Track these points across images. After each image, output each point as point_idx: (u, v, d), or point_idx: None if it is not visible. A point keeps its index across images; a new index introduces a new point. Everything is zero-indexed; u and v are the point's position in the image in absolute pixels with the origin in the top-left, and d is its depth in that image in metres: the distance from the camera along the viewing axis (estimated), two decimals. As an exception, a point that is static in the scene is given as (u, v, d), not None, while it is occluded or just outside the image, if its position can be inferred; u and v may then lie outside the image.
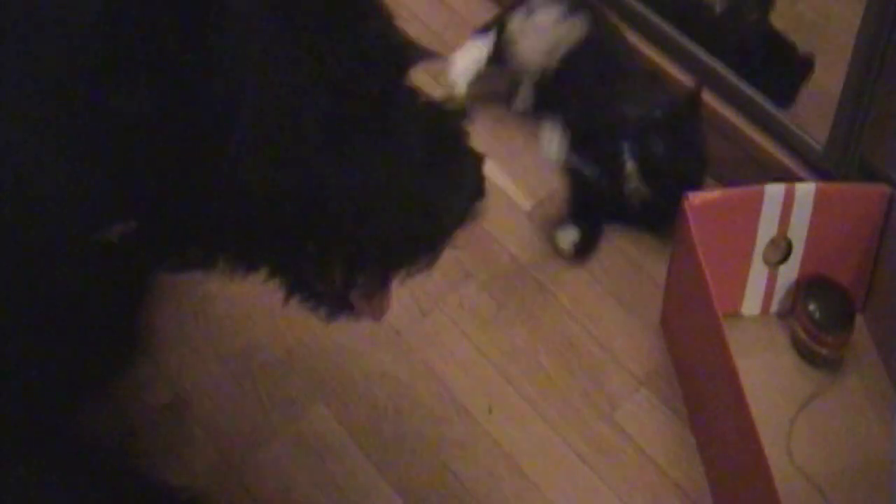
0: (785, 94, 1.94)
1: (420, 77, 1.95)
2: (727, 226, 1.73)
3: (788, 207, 1.74)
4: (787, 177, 1.84)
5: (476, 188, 1.75)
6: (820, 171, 1.83)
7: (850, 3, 2.13)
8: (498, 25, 2.04)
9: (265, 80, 1.05)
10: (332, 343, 1.73)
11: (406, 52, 1.16)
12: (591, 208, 1.88)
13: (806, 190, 1.74)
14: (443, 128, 1.22)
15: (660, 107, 1.81)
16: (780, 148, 1.87)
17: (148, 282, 1.49)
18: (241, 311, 1.77)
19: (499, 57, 2.02)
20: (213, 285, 1.76)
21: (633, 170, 1.82)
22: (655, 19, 2.01)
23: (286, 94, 1.06)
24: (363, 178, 1.13)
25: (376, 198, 1.15)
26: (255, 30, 1.04)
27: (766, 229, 1.75)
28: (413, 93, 1.19)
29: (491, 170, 1.90)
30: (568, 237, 1.83)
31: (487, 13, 2.11)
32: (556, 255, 1.87)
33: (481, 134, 1.98)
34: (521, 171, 1.96)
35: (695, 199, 1.69)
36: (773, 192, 1.73)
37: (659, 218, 1.86)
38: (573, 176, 1.90)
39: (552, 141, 1.86)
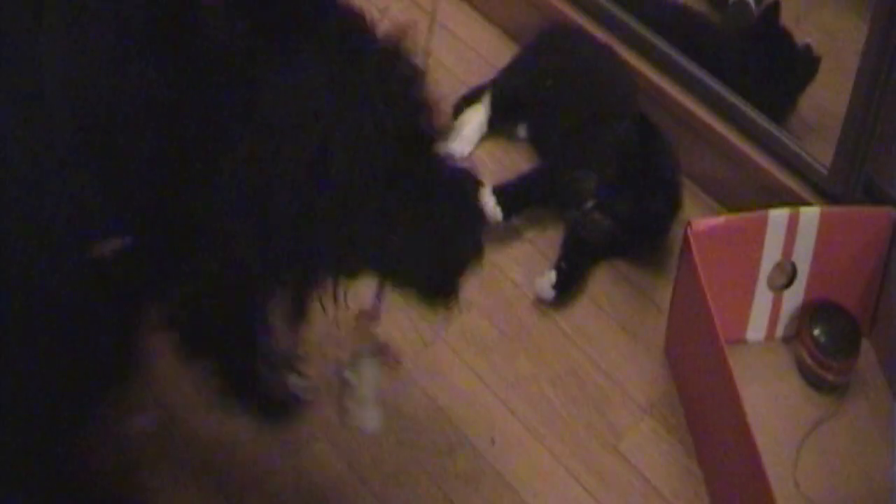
0: (787, 94, 1.91)
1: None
2: (731, 251, 1.71)
3: (793, 232, 1.72)
4: (792, 200, 1.82)
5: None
6: (825, 194, 1.81)
7: (854, 21, 2.13)
8: (493, 88, 2.04)
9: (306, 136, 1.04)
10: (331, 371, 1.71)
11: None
12: (573, 247, 1.87)
13: (810, 214, 1.72)
14: (465, 196, 1.24)
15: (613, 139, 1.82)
16: (784, 171, 1.86)
17: (145, 309, 1.47)
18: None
19: (499, 120, 2.03)
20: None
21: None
22: (652, 37, 2.00)
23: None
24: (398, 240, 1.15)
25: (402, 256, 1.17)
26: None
27: (771, 254, 1.74)
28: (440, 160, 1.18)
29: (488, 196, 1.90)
30: (545, 283, 1.81)
31: (510, 53, 2.10)
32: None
33: (485, 161, 1.99)
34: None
35: (698, 225, 1.67)
36: (778, 217, 1.71)
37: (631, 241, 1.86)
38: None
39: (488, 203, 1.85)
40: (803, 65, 1.99)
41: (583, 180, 1.82)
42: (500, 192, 1.85)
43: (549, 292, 1.80)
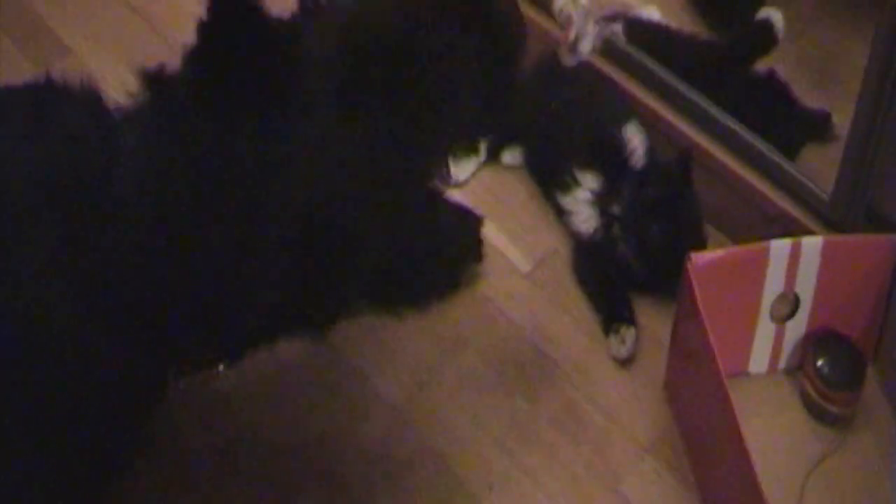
0: (787, 149, 1.88)
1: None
2: (732, 284, 1.69)
3: (795, 263, 1.69)
4: (793, 227, 1.79)
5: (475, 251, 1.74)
6: (827, 220, 1.78)
7: (854, 38, 2.09)
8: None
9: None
10: (324, 419, 1.68)
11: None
12: (613, 282, 1.84)
13: (812, 244, 1.69)
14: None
15: (651, 183, 1.78)
16: (784, 197, 1.83)
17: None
18: (226, 396, 1.72)
19: (498, 146, 2.00)
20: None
21: (628, 251, 1.80)
22: (656, 68, 1.96)
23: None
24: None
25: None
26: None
27: (773, 286, 1.71)
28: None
29: (487, 230, 1.88)
30: (625, 341, 1.78)
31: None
32: (555, 317, 1.81)
33: (477, 192, 1.96)
34: (518, 230, 1.91)
35: (698, 259, 1.64)
36: (779, 248, 1.68)
37: (656, 278, 1.82)
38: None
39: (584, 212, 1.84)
40: (805, 124, 1.96)
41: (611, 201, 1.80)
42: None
43: (627, 350, 1.77)
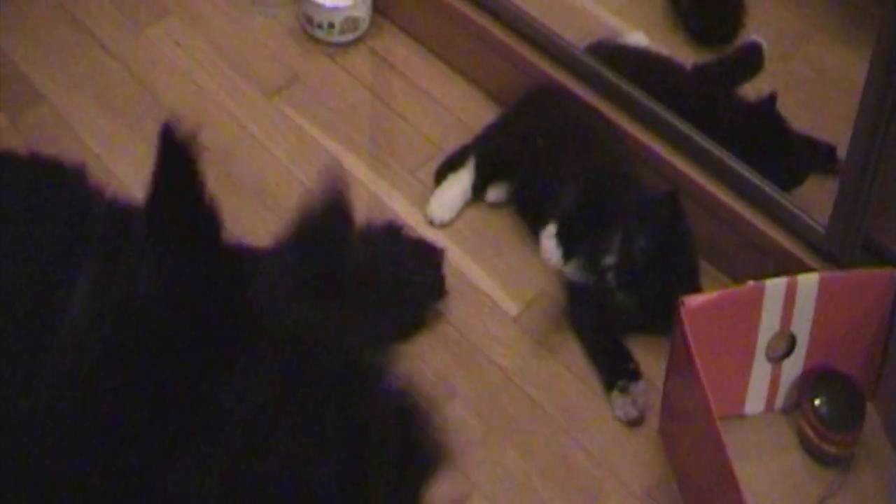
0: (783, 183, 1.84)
1: (407, 212, 1.90)
2: (726, 325, 1.65)
3: (791, 301, 1.66)
4: (788, 260, 1.75)
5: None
6: (823, 254, 1.75)
7: (848, 57, 2.05)
8: (477, 150, 1.96)
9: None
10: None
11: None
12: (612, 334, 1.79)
13: (809, 282, 1.66)
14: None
15: (639, 213, 1.73)
16: (779, 230, 1.80)
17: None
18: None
19: (484, 184, 1.95)
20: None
21: (616, 282, 1.74)
22: (639, 95, 1.92)
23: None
24: None
25: None
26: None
27: (769, 326, 1.67)
28: None
29: (473, 272, 1.84)
30: (636, 401, 1.72)
31: (490, 115, 2.03)
32: (545, 362, 1.77)
33: (462, 232, 1.92)
34: (506, 270, 1.87)
35: (691, 302, 1.60)
36: (774, 287, 1.65)
37: (654, 322, 1.77)
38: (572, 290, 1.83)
39: (552, 247, 1.77)
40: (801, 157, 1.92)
41: (603, 240, 1.75)
42: (561, 232, 1.76)
43: (634, 412, 1.72)
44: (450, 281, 1.81)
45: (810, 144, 1.95)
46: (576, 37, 2.03)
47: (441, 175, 1.97)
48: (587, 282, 1.78)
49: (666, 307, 1.65)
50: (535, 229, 1.89)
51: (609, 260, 1.74)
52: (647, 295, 1.72)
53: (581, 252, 1.78)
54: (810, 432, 1.68)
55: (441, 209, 1.92)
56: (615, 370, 1.74)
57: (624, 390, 1.71)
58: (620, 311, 1.76)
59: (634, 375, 1.73)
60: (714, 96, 1.96)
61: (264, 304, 0.97)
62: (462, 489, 1.65)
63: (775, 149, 1.90)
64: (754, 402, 1.73)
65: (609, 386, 1.73)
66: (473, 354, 1.77)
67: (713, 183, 1.84)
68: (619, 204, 1.76)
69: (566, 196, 1.81)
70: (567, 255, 1.76)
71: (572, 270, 1.79)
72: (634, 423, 1.71)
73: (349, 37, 2.16)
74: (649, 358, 1.77)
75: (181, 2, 2.24)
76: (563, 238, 1.76)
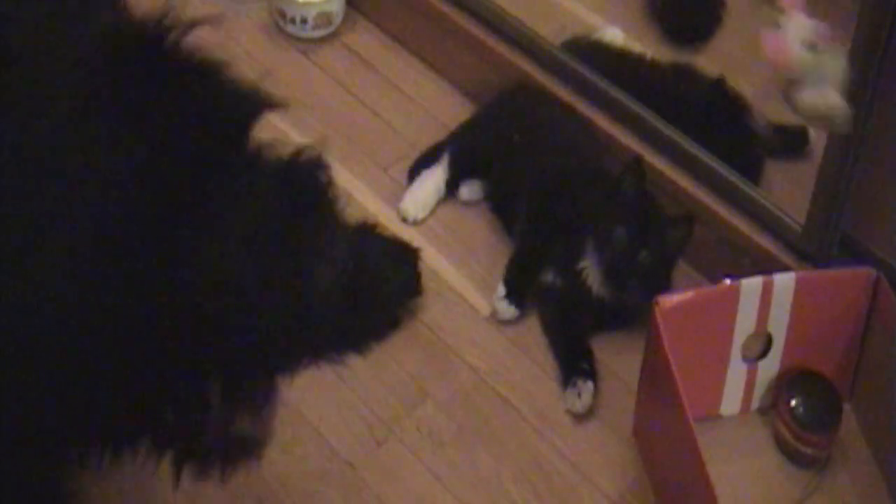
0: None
1: (380, 210, 1.88)
2: (702, 325, 1.63)
3: (767, 301, 1.64)
4: (765, 259, 1.73)
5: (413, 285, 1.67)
6: (799, 252, 1.73)
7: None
8: (452, 147, 1.94)
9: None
10: (275, 481, 1.62)
11: (242, 107, 1.09)
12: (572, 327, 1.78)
13: (785, 281, 1.64)
14: (300, 186, 1.16)
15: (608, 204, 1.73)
16: (755, 229, 1.78)
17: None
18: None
19: (457, 181, 1.93)
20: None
21: (595, 273, 1.73)
22: (614, 92, 1.90)
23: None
24: (218, 256, 1.05)
25: (238, 278, 1.07)
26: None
27: (744, 325, 1.65)
28: (258, 151, 1.11)
29: (446, 271, 1.82)
30: (580, 395, 1.71)
31: (465, 114, 2.01)
32: (519, 362, 1.75)
33: (435, 230, 1.90)
34: (479, 270, 1.85)
35: (666, 302, 1.58)
36: (750, 286, 1.63)
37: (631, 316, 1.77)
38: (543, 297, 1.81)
39: (503, 308, 1.78)
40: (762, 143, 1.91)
41: (578, 241, 1.74)
42: (510, 288, 1.77)
43: (583, 405, 1.71)
44: (423, 280, 1.79)
45: (781, 131, 1.94)
46: (551, 33, 2.01)
47: (415, 172, 1.95)
48: (559, 286, 1.76)
49: (649, 284, 1.67)
50: (509, 228, 1.87)
51: (584, 262, 1.72)
52: (633, 276, 1.70)
53: (553, 261, 1.77)
54: (786, 433, 1.66)
55: (414, 206, 1.90)
56: (571, 368, 1.73)
57: (574, 385, 1.70)
58: (596, 309, 1.74)
59: (587, 374, 1.71)
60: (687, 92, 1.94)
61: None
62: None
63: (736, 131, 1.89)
64: (730, 402, 1.71)
65: (565, 382, 1.72)
66: (446, 354, 1.75)
67: (689, 180, 1.83)
68: (588, 203, 1.74)
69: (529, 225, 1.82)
70: (519, 305, 1.77)
71: (550, 277, 1.78)
72: (579, 417, 1.70)
73: (322, 32, 2.13)
74: (623, 359, 1.75)
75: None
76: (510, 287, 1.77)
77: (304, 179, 1.16)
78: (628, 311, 1.76)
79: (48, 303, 0.99)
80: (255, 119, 1.09)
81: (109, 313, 1.01)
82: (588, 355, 1.74)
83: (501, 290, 1.77)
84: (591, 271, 1.73)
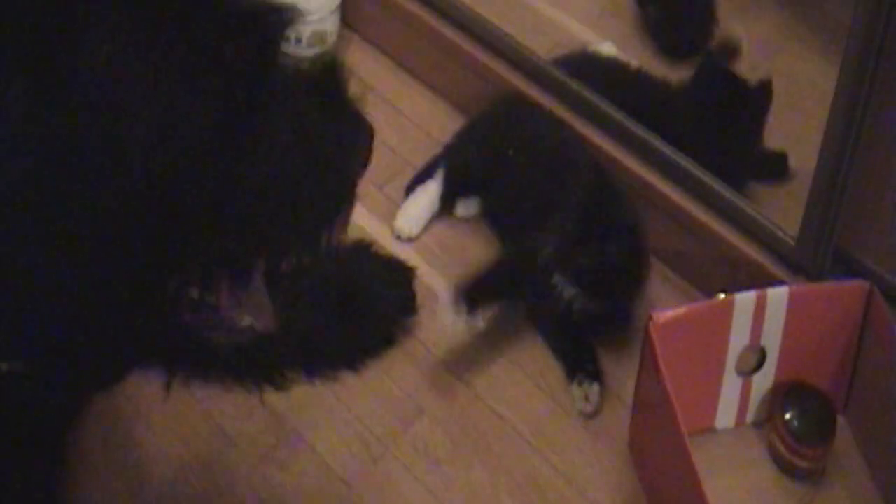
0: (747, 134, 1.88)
1: (375, 228, 1.88)
2: (696, 340, 1.64)
3: (761, 315, 1.64)
4: (758, 272, 1.74)
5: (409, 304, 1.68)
6: (793, 265, 1.73)
7: (818, 67, 2.04)
8: (447, 161, 1.94)
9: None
10: (272, 499, 1.62)
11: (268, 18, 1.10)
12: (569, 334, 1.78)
13: (778, 295, 1.64)
14: (328, 87, 1.21)
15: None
16: (748, 242, 1.78)
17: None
18: (155, 467, 1.66)
19: (452, 196, 1.93)
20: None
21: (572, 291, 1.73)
22: (606, 106, 1.91)
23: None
24: (272, 156, 1.10)
25: (289, 175, 1.12)
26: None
27: (738, 340, 1.66)
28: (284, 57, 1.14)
29: (441, 288, 1.82)
30: (588, 398, 1.72)
31: (456, 127, 2.01)
32: (513, 377, 1.76)
33: (429, 247, 1.90)
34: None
35: (659, 317, 1.59)
36: (744, 300, 1.63)
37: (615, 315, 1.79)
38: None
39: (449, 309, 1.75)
40: (755, 98, 1.90)
41: (541, 246, 1.73)
42: (466, 290, 1.73)
43: (593, 405, 1.72)
44: (419, 297, 1.79)
45: (761, 156, 1.95)
46: (545, 48, 2.02)
47: (411, 191, 1.95)
48: (544, 304, 1.77)
49: (607, 280, 1.68)
50: (506, 243, 1.88)
51: (558, 277, 1.73)
52: (585, 267, 1.69)
53: (534, 284, 1.77)
54: (781, 446, 1.66)
55: (408, 223, 1.90)
56: (576, 366, 1.74)
57: (580, 385, 1.71)
58: (580, 317, 1.75)
59: (593, 375, 1.72)
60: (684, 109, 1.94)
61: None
62: None
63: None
64: (725, 416, 1.71)
65: (570, 379, 1.74)
66: (441, 371, 1.76)
67: (682, 195, 1.82)
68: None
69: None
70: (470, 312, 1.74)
71: (532, 300, 1.79)
72: (590, 417, 1.71)
73: (317, 50, 2.14)
74: (618, 373, 1.76)
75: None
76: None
77: (332, 82, 1.22)
78: (610, 319, 1.77)
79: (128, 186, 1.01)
80: (287, 29, 1.12)
81: (176, 206, 1.04)
82: (592, 356, 1.75)
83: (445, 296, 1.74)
84: (563, 285, 1.72)
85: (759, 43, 2.14)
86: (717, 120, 1.90)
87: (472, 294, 1.71)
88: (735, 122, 1.91)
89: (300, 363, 1.72)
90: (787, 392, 1.69)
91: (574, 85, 1.93)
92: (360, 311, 1.77)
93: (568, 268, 1.71)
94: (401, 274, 1.80)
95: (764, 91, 1.89)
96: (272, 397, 1.71)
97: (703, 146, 1.86)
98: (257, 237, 1.13)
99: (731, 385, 1.69)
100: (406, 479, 1.66)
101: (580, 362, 1.75)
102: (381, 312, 1.78)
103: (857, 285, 1.64)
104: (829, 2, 2.15)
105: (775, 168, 1.93)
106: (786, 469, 1.67)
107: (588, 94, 1.92)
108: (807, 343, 1.68)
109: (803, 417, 1.66)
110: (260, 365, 1.69)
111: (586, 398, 1.71)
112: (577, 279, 1.71)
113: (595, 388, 1.71)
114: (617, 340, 1.80)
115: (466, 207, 1.93)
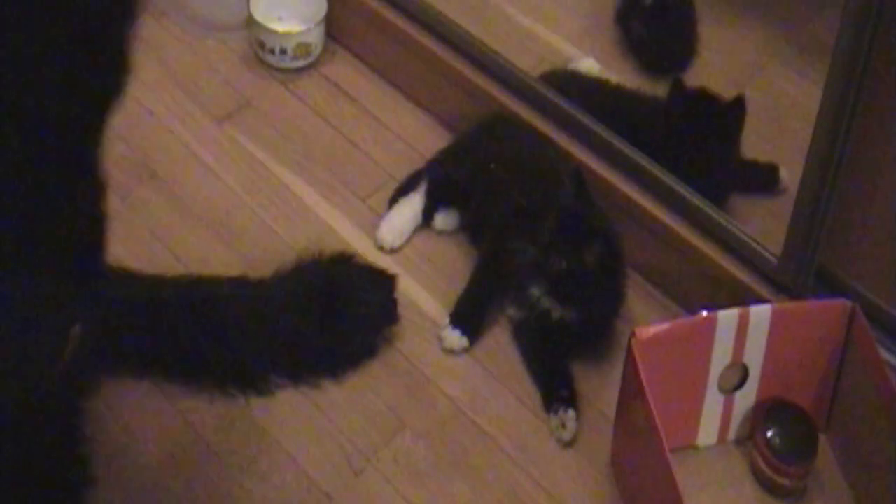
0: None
1: (358, 240, 1.88)
2: (678, 357, 1.64)
3: (743, 333, 1.65)
4: (740, 290, 1.74)
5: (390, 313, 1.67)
6: (776, 284, 1.74)
7: (802, 86, 2.05)
8: (430, 175, 1.94)
9: None
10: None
11: None
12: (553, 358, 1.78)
13: (761, 313, 1.65)
14: None
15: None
16: (731, 260, 1.78)
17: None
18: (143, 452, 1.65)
19: (434, 209, 1.93)
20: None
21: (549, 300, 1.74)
22: (590, 122, 1.90)
23: None
24: None
25: None
26: None
27: (721, 357, 1.66)
28: None
29: (423, 300, 1.82)
30: (565, 425, 1.72)
31: (444, 143, 2.01)
32: (496, 393, 1.75)
33: (412, 259, 1.90)
34: (456, 299, 1.84)
35: (642, 334, 1.59)
36: (727, 318, 1.64)
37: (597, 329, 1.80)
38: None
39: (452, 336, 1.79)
40: (729, 113, 1.91)
41: (520, 253, 1.74)
42: (460, 319, 1.78)
43: (570, 433, 1.72)
44: (400, 310, 1.79)
45: (753, 168, 1.96)
46: (529, 64, 2.02)
47: (394, 203, 1.95)
48: (525, 318, 1.78)
49: (582, 287, 1.69)
50: (483, 255, 1.88)
51: (533, 288, 1.73)
52: (560, 271, 1.71)
53: (512, 293, 1.79)
54: (763, 464, 1.66)
55: (391, 234, 1.90)
56: (551, 394, 1.74)
57: (556, 413, 1.71)
58: (563, 332, 1.75)
59: (568, 402, 1.71)
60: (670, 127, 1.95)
61: None
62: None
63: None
64: (707, 433, 1.71)
65: (547, 409, 1.74)
66: (423, 384, 1.75)
67: (665, 212, 1.83)
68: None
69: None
70: (471, 334, 1.79)
71: (512, 311, 1.80)
72: (567, 445, 1.71)
73: (301, 63, 2.14)
74: (600, 389, 1.76)
75: (132, 25, 2.20)
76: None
77: None
78: (594, 330, 1.78)
79: None
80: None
81: None
82: (567, 380, 1.74)
83: (446, 319, 1.79)
84: (542, 296, 1.72)
85: (742, 62, 2.15)
86: (693, 136, 1.90)
87: (473, 321, 1.79)
88: (710, 138, 1.91)
89: (283, 370, 1.71)
90: (769, 410, 1.69)
91: (558, 101, 1.93)
92: (341, 317, 1.77)
93: (544, 275, 1.71)
94: (381, 281, 1.80)
95: (737, 106, 1.89)
96: (254, 409, 1.70)
97: (681, 162, 1.87)
98: None
99: (713, 402, 1.69)
100: (387, 493, 1.65)
101: (556, 388, 1.74)
102: (362, 319, 1.78)
103: (839, 304, 1.65)
104: (813, 22, 2.16)
105: (766, 179, 1.94)
106: (767, 487, 1.67)
107: (572, 110, 1.92)
108: (789, 361, 1.68)
109: (785, 435, 1.67)
110: (243, 371, 1.69)
111: (563, 426, 1.70)
112: (554, 286, 1.72)
113: (570, 414, 1.71)
114: (599, 356, 1.79)
115: (445, 222, 1.93)
